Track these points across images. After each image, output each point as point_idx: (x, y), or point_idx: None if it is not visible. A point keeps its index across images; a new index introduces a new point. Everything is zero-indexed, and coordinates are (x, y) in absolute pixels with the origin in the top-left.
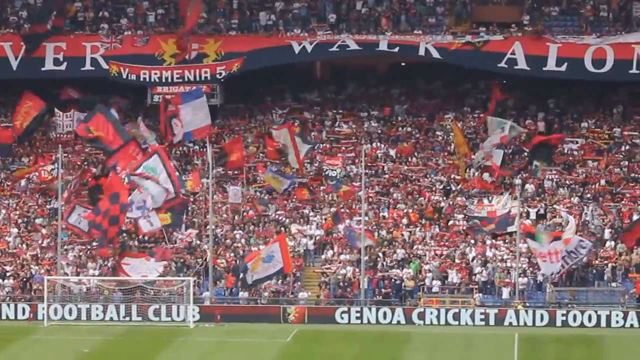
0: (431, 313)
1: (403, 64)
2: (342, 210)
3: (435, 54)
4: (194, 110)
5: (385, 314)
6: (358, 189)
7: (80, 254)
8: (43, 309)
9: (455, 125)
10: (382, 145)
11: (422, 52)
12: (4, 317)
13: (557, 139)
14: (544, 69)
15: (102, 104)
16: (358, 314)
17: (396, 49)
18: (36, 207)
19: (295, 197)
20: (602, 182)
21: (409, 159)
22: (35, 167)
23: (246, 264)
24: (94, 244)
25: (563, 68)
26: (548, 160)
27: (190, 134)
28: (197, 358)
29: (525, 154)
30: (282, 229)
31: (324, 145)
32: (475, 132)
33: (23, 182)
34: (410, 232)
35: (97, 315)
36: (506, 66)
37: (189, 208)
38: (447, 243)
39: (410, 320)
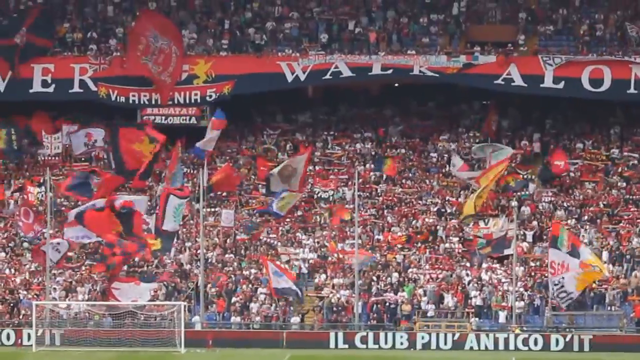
0: (426, 337)
1: (396, 84)
2: (334, 234)
3: (429, 74)
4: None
5: (379, 338)
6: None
7: (70, 279)
8: (31, 334)
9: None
10: (376, 167)
11: (416, 73)
12: None
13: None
14: (542, 85)
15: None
16: (352, 339)
17: (390, 71)
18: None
19: (287, 219)
20: (600, 204)
21: (403, 182)
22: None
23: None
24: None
25: (560, 86)
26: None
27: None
28: None
29: (522, 175)
30: (272, 252)
31: (317, 167)
32: (470, 154)
33: (11, 205)
34: (404, 255)
35: (87, 340)
36: (502, 83)
37: (179, 232)
38: (442, 266)
39: (405, 344)
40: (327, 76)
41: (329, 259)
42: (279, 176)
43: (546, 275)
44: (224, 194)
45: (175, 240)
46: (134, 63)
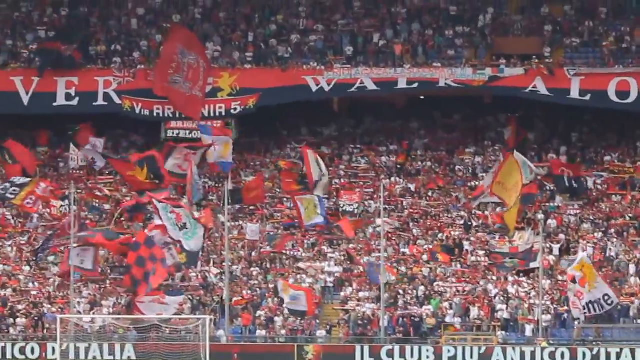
0: (452, 351)
1: (422, 97)
2: (360, 247)
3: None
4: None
5: (405, 352)
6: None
7: (94, 292)
8: (55, 348)
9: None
10: (401, 180)
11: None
12: (17, 356)
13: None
14: (568, 97)
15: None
16: (378, 352)
17: (415, 85)
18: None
19: (314, 232)
20: (627, 216)
21: (429, 194)
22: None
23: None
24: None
25: (587, 98)
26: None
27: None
28: None
29: (548, 188)
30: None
31: (342, 180)
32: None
33: (35, 219)
34: (430, 268)
35: (112, 354)
36: (529, 92)
37: (204, 245)
38: (468, 279)
39: (431, 358)
40: (353, 89)
41: (355, 272)
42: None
43: None
44: (250, 207)
45: (200, 253)
46: (163, 86)
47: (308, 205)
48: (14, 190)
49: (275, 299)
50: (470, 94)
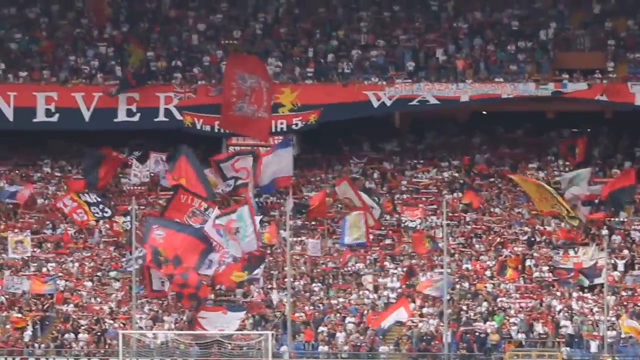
0: None
1: (484, 112)
2: (422, 262)
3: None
4: (280, 159)
5: None
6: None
7: (156, 308)
8: None
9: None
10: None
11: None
12: None
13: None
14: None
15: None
16: None
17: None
18: (110, 260)
19: (375, 248)
20: None
21: (492, 210)
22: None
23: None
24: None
25: None
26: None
27: (275, 182)
28: None
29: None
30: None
31: (404, 195)
32: (559, 182)
33: (96, 235)
34: (494, 284)
35: None
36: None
37: (266, 260)
38: (532, 295)
39: None
40: (414, 102)
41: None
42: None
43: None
44: (312, 222)
45: (261, 269)
46: (230, 117)
47: (354, 223)
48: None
49: (337, 315)
50: (533, 109)
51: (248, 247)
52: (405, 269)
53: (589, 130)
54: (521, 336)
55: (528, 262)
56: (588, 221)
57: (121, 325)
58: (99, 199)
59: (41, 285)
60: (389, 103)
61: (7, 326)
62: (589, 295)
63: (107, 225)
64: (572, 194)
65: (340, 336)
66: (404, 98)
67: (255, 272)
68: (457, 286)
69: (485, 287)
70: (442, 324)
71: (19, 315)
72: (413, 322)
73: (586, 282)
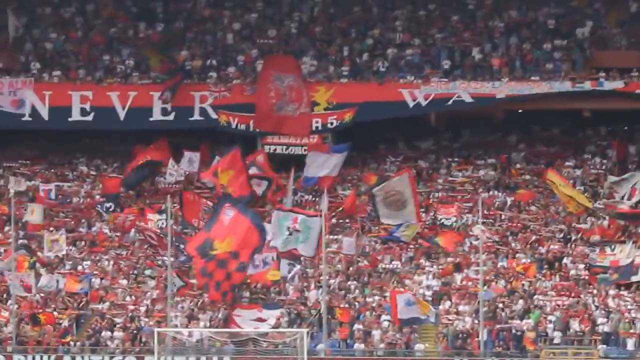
0: None
1: (520, 110)
2: (458, 261)
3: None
4: (333, 160)
5: None
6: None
7: (191, 305)
8: None
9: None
10: (500, 194)
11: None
12: None
13: None
14: None
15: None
16: None
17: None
18: (145, 258)
19: (411, 246)
20: None
21: (528, 207)
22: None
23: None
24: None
25: None
26: None
27: (318, 179)
28: None
29: None
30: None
31: (440, 194)
32: (596, 180)
33: (132, 233)
34: (530, 282)
35: None
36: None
37: (301, 259)
38: (568, 293)
39: None
40: (449, 103)
41: (453, 285)
42: (384, 203)
43: None
44: (347, 220)
45: (296, 267)
46: (270, 118)
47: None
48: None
49: (374, 313)
50: (569, 108)
51: (303, 250)
52: (442, 267)
53: (625, 128)
54: (557, 334)
55: (564, 260)
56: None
57: (156, 323)
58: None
59: (75, 283)
60: (424, 103)
61: (43, 324)
62: (625, 292)
63: (143, 224)
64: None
65: (376, 334)
66: (439, 98)
67: (291, 270)
68: (494, 284)
69: (523, 284)
70: (477, 322)
71: (55, 314)
72: (449, 320)
73: (609, 279)
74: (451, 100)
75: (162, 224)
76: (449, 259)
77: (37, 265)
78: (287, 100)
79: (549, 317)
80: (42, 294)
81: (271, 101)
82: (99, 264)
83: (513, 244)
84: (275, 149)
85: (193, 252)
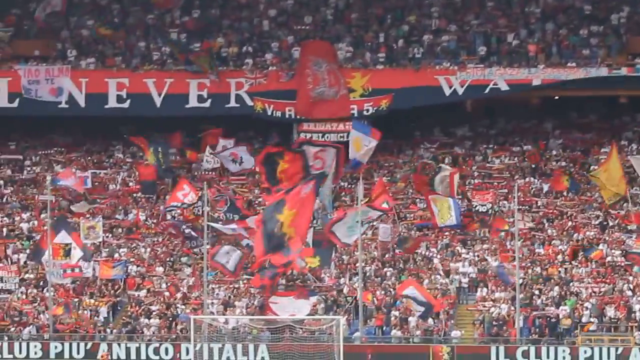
0: (588, 352)
1: (556, 97)
2: (494, 247)
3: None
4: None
5: (541, 352)
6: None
7: (228, 292)
8: (189, 348)
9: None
10: (536, 180)
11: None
12: (150, 356)
13: None
14: None
15: None
16: (513, 353)
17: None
18: (182, 245)
19: (446, 233)
20: None
21: (564, 194)
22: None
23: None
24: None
25: None
26: None
27: (360, 164)
28: None
29: None
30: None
31: (475, 180)
32: (632, 167)
33: (168, 219)
34: (566, 268)
35: (245, 354)
36: None
37: (337, 246)
38: (604, 279)
39: (567, 359)
40: (486, 91)
41: (489, 272)
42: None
43: None
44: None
45: (333, 254)
46: (309, 105)
47: (442, 206)
48: None
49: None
50: (607, 94)
51: (346, 240)
52: (477, 254)
53: None
54: (593, 321)
55: (601, 246)
56: None
57: (193, 310)
58: None
59: (109, 270)
60: (460, 90)
61: (80, 311)
62: None
63: (179, 211)
64: None
65: (412, 321)
66: (475, 85)
67: (328, 257)
68: (530, 271)
69: (559, 271)
70: (513, 309)
71: (92, 301)
72: (485, 307)
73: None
74: (488, 89)
75: (198, 211)
76: (485, 246)
77: (72, 252)
78: (327, 84)
79: (585, 304)
80: (78, 282)
81: (309, 86)
82: (135, 251)
83: (549, 231)
84: (311, 137)
85: (258, 224)
